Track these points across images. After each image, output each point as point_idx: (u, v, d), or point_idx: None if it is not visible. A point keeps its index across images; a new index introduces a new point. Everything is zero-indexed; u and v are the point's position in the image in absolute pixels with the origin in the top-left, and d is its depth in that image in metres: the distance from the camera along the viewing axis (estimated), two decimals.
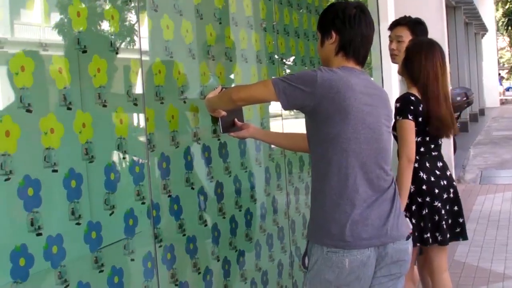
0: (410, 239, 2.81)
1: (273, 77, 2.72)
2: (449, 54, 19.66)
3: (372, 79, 2.91)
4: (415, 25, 4.22)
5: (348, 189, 2.63)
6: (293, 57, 4.75)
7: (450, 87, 10.93)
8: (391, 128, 2.83)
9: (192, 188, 2.98)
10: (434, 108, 3.69)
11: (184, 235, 2.90)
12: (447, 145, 10.69)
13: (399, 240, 2.71)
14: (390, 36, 4.30)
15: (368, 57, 5.38)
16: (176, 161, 2.88)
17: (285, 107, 2.66)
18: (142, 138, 2.65)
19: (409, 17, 4.34)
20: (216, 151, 3.23)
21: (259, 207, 3.73)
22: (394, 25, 4.29)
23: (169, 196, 2.80)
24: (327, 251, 2.64)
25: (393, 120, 2.88)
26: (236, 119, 3.11)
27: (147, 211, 2.64)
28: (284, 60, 4.59)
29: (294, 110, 2.82)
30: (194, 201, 3.00)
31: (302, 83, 2.60)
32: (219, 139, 3.25)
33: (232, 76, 3.55)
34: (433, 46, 3.83)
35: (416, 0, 10.20)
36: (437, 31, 10.47)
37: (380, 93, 2.80)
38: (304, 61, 4.76)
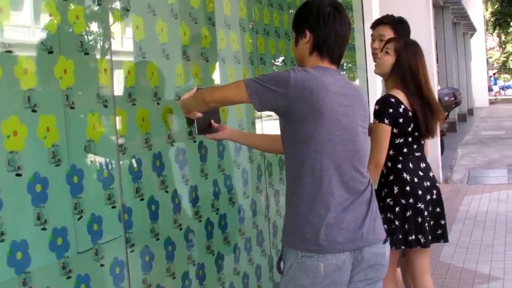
0: (388, 243, 2.76)
1: (245, 78, 2.66)
2: (437, 54, 19.67)
3: (347, 78, 2.83)
4: (398, 24, 4.17)
5: (322, 192, 2.57)
6: (282, 57, 4.73)
7: (438, 87, 10.87)
8: (367, 128, 2.78)
9: (166, 191, 2.92)
10: (416, 106, 3.65)
11: (157, 239, 2.84)
12: (433, 146, 10.77)
13: (376, 244, 2.66)
14: (372, 35, 4.24)
15: (354, 57, 5.32)
16: (148, 164, 2.82)
17: (258, 108, 2.61)
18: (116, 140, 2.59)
19: (392, 16, 4.29)
20: (192, 153, 3.17)
21: (237, 210, 3.67)
22: (376, 24, 4.24)
23: (142, 199, 2.74)
24: (302, 255, 2.58)
25: (369, 121, 2.82)
26: (212, 121, 3.06)
27: (118, 215, 2.58)
28: (273, 61, 4.55)
29: None
30: (168, 205, 2.93)
31: (274, 84, 2.54)
32: (194, 141, 3.19)
33: (212, 77, 3.51)
34: (419, 47, 3.81)
35: (401, 1, 10.22)
36: (424, 31, 10.47)
37: (356, 93, 2.74)
38: (285, 62, 4.71)
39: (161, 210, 2.87)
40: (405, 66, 3.70)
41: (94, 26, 2.57)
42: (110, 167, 2.55)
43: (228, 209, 3.51)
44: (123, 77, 2.70)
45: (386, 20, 4.20)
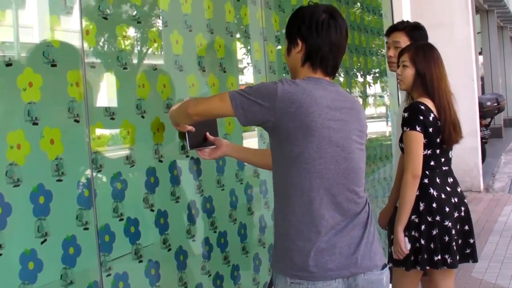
0: (386, 269, 2.53)
1: (230, 90, 2.46)
2: (483, 59, 19.22)
3: (343, 90, 2.61)
4: (414, 30, 3.94)
5: (312, 215, 2.37)
6: None
7: (479, 93, 10.53)
8: (363, 144, 2.56)
9: (152, 210, 2.74)
10: (446, 114, 3.45)
11: (140, 261, 2.66)
12: (473, 152, 10.43)
13: (372, 271, 2.44)
14: (387, 42, 4.03)
15: (382, 65, 5.10)
16: (132, 182, 2.65)
17: (243, 123, 2.41)
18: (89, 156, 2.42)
19: (407, 21, 4.09)
20: (185, 169, 2.98)
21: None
22: (391, 31, 4.02)
23: (121, 219, 2.56)
24: (291, 282, 2.39)
25: (366, 136, 2.61)
26: (208, 133, 2.87)
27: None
28: None
29: None
30: (152, 225, 2.75)
31: (260, 97, 2.34)
32: (187, 156, 3.00)
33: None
34: (434, 49, 3.59)
35: (438, 5, 9.92)
36: (463, 36, 10.17)
37: (352, 106, 2.52)
38: None
39: (146, 230, 2.70)
40: (424, 73, 3.49)
41: (65, 37, 2.41)
42: (82, 185, 2.37)
43: (228, 226, 3.32)
44: (101, 90, 2.53)
45: (400, 26, 3.99)
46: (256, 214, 3.57)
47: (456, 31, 10.07)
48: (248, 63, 3.64)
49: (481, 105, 12.03)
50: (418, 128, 3.39)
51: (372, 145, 6.03)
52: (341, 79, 5.29)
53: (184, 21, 3.05)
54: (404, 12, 6.73)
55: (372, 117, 7.18)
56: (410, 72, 3.51)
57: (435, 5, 9.91)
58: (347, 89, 5.67)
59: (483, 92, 18.02)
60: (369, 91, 6.77)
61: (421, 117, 3.40)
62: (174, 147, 2.92)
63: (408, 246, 3.45)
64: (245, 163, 3.28)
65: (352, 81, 6.02)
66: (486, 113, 12.23)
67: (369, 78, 6.57)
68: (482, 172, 10.82)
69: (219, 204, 3.22)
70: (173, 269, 2.89)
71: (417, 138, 3.40)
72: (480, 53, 19.48)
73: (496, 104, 12.91)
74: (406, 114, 3.44)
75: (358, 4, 6.19)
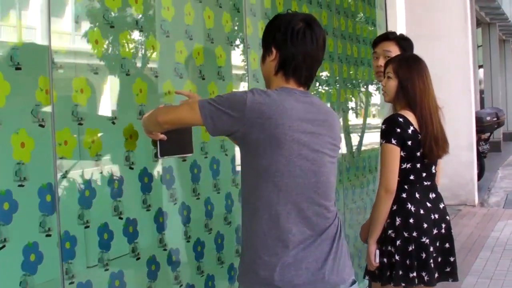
0: (356, 285, 2.48)
1: (200, 99, 2.41)
2: (483, 73, 19.17)
3: (319, 100, 2.56)
4: (402, 41, 3.89)
5: (279, 229, 2.32)
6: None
7: (475, 108, 10.43)
8: (335, 158, 2.50)
9: (120, 218, 2.69)
10: (427, 128, 3.37)
11: (106, 270, 2.61)
12: (469, 166, 10.36)
13: (339, 286, 2.38)
14: (375, 52, 3.95)
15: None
16: (101, 189, 2.60)
17: (212, 132, 2.36)
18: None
19: (395, 32, 4.02)
20: (157, 176, 2.94)
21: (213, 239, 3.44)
22: (380, 40, 3.94)
23: (87, 227, 2.51)
24: None
25: (339, 149, 2.54)
26: (185, 140, 2.82)
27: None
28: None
29: None
30: (120, 232, 2.70)
31: (229, 107, 2.29)
32: (160, 164, 2.95)
33: None
34: (419, 61, 3.51)
35: (437, 17, 9.87)
36: (461, 49, 10.11)
37: (326, 118, 2.46)
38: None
39: (116, 238, 2.65)
40: (406, 85, 3.42)
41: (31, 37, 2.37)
42: (46, 191, 2.33)
43: (202, 235, 3.27)
44: (70, 94, 2.48)
45: (391, 36, 3.91)
46: (234, 225, 3.51)
47: (455, 43, 10.00)
48: (230, 71, 3.59)
49: (480, 120, 11.98)
50: (393, 141, 3.32)
51: (363, 156, 5.98)
52: (334, 90, 5.24)
53: (160, 26, 3.01)
54: (399, 23, 6.71)
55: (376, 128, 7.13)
56: (393, 83, 3.45)
57: (433, 17, 9.85)
58: (350, 98, 5.65)
59: (482, 106, 17.98)
60: (373, 101, 6.73)
61: (398, 130, 3.32)
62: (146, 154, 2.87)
63: (378, 259, 3.39)
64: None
65: (354, 92, 6.00)
66: (485, 127, 12.20)
67: (371, 88, 6.53)
68: (477, 186, 10.75)
69: (194, 213, 3.18)
70: (143, 279, 2.84)
71: (392, 151, 3.33)
72: (481, 66, 19.45)
73: (495, 118, 12.87)
74: (383, 126, 3.38)
75: (361, 14, 6.17)
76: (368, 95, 6.67)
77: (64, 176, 2.42)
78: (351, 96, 5.93)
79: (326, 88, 5.30)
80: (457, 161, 10.01)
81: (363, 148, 6.09)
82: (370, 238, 3.44)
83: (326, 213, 2.41)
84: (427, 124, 3.38)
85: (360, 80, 6.08)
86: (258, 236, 2.35)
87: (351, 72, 5.68)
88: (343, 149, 5.40)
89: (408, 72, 3.42)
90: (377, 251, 3.40)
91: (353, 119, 6.19)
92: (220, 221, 3.40)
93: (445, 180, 9.29)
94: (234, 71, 3.63)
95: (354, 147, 5.90)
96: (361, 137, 6.21)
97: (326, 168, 2.41)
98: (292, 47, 2.41)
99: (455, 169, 9.97)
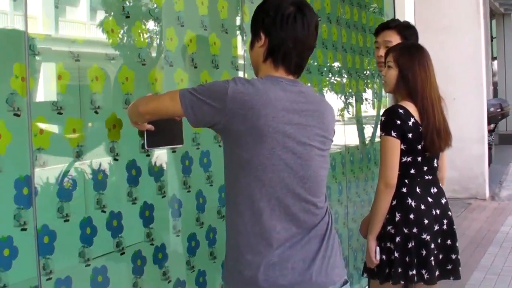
0: (347, 285, 2.36)
1: (181, 89, 2.29)
2: (497, 65, 18.92)
3: (311, 89, 2.42)
4: (406, 29, 3.74)
5: (263, 226, 2.20)
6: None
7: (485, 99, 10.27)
8: (326, 151, 2.37)
9: (103, 211, 2.59)
10: (429, 120, 3.24)
11: (88, 265, 2.51)
12: (480, 159, 10.20)
13: (328, 287, 2.26)
14: (376, 42, 3.81)
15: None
16: (81, 180, 2.49)
17: (194, 124, 2.24)
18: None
19: (398, 20, 3.88)
20: (145, 168, 2.82)
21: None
22: (381, 29, 3.80)
23: (66, 220, 2.41)
24: None
25: (331, 142, 2.42)
26: (174, 130, 2.71)
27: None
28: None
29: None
30: (104, 226, 2.59)
31: (210, 97, 2.17)
32: (148, 155, 2.85)
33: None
34: (422, 49, 3.37)
35: (447, 8, 9.69)
36: (472, 40, 9.93)
37: (316, 108, 2.32)
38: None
39: (99, 231, 2.55)
40: (407, 74, 3.29)
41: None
42: (22, 182, 2.22)
43: (194, 229, 3.17)
44: (49, 82, 2.37)
45: (392, 24, 3.77)
46: None
47: (466, 35, 9.83)
48: (225, 59, 3.46)
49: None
50: (393, 134, 3.19)
51: (368, 148, 5.86)
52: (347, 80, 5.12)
53: (148, 12, 2.89)
54: (407, 12, 6.56)
55: None
56: (393, 73, 3.32)
57: (444, 8, 9.68)
58: (364, 89, 5.53)
59: (495, 98, 17.73)
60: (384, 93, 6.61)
61: (398, 122, 3.20)
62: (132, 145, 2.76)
63: (378, 256, 3.28)
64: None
65: (368, 82, 5.88)
66: (490, 119, 12.03)
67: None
68: (488, 179, 10.58)
69: (185, 206, 3.07)
70: (128, 274, 2.73)
71: (392, 144, 3.20)
72: (495, 58, 19.19)
73: (499, 109, 12.69)
74: (383, 118, 3.25)
75: (375, 5, 6.04)
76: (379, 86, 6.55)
77: (42, 167, 2.31)
78: (364, 87, 5.80)
79: (338, 79, 5.19)
80: (468, 154, 9.89)
81: (367, 140, 5.96)
82: (369, 234, 3.32)
83: (314, 210, 2.28)
84: (428, 116, 3.25)
85: (373, 71, 5.96)
86: (241, 234, 2.23)
87: (365, 62, 5.57)
88: (347, 141, 5.28)
89: (409, 60, 3.29)
90: (378, 248, 3.29)
91: (368, 110, 6.09)
92: (213, 215, 3.28)
93: (455, 173, 9.25)
94: (230, 60, 3.50)
95: (359, 139, 5.78)
96: (374, 128, 6.08)
97: (314, 161, 2.28)
98: (282, 32, 2.28)
99: (465, 162, 9.85)
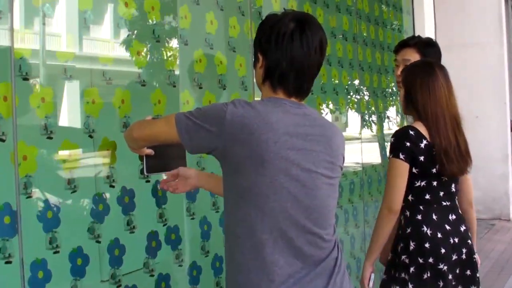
0: None
1: (178, 112, 2.12)
2: None
3: (316, 113, 2.23)
4: (426, 47, 3.54)
5: (264, 260, 2.00)
6: None
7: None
8: (335, 178, 2.18)
9: (98, 242, 2.43)
10: (437, 140, 3.02)
11: None
12: (504, 180, 9.94)
13: None
14: (396, 60, 3.63)
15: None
16: (72, 210, 2.34)
17: (190, 150, 2.08)
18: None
19: (419, 37, 3.68)
20: (142, 195, 2.67)
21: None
22: (400, 47, 3.60)
23: (56, 252, 2.26)
24: None
25: (341, 169, 2.23)
26: (176, 155, 2.55)
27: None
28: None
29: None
30: (96, 257, 2.44)
31: (207, 121, 2.00)
32: (148, 181, 2.69)
33: None
34: (430, 67, 3.15)
35: (469, 24, 9.49)
36: (494, 57, 9.72)
37: (322, 133, 2.12)
38: None
39: (91, 262, 2.40)
40: (410, 93, 3.11)
41: None
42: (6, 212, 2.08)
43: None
44: (33, 105, 2.23)
45: (411, 42, 3.57)
46: None
47: (489, 52, 9.63)
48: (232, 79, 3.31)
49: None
50: (402, 156, 2.99)
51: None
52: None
53: (153, 31, 2.75)
54: (427, 30, 6.38)
55: None
56: (402, 93, 3.15)
57: (466, 24, 9.49)
58: (387, 107, 5.37)
59: None
60: None
61: (408, 144, 2.99)
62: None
63: (371, 284, 3.08)
64: None
65: (388, 101, 5.72)
66: None
67: None
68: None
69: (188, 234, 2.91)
70: None
71: (399, 167, 3.00)
72: None
73: None
74: (392, 139, 3.06)
75: (395, 22, 5.90)
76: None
77: (28, 196, 2.16)
78: (382, 105, 5.64)
79: (354, 98, 5.04)
80: (491, 173, 9.64)
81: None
82: (366, 260, 3.13)
83: (321, 243, 2.09)
84: (434, 136, 3.04)
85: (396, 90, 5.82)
86: (240, 267, 2.04)
87: (383, 81, 5.42)
88: (365, 161, 5.11)
89: (412, 79, 3.11)
90: (372, 275, 3.10)
91: (393, 129, 5.95)
92: (219, 243, 3.12)
93: (478, 193, 8.97)
94: (238, 79, 3.35)
95: (379, 160, 5.61)
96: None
97: (321, 190, 2.09)
98: (277, 52, 2.09)
99: (489, 182, 9.60)
